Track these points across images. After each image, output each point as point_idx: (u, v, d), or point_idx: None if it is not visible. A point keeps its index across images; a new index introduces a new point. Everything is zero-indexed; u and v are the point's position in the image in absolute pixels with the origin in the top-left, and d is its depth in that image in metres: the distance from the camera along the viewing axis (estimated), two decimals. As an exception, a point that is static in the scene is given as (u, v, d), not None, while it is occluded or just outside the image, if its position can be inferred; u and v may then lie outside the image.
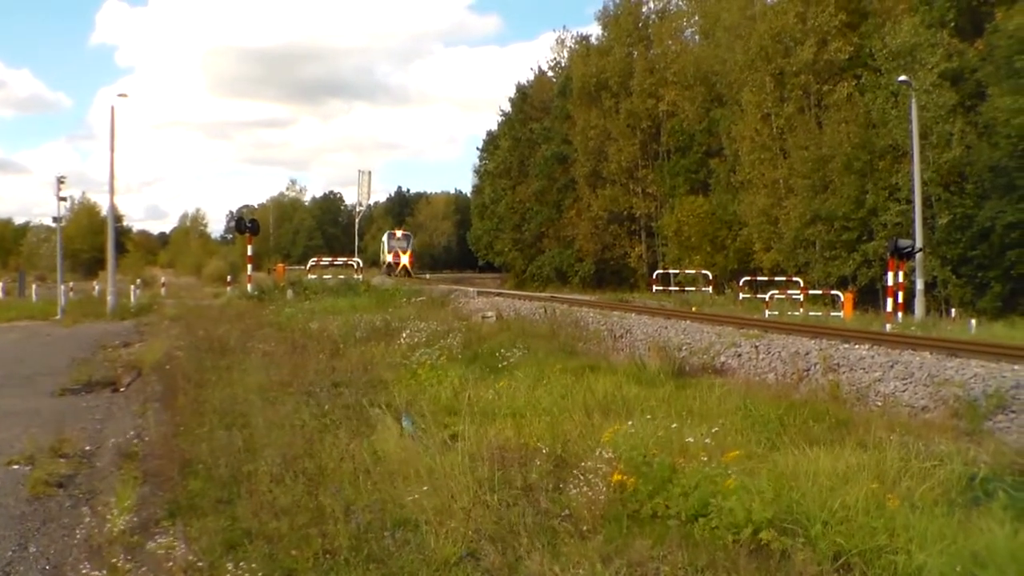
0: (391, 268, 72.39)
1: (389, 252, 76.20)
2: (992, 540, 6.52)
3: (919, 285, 30.70)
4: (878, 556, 6.48)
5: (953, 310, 35.11)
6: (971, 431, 10.60)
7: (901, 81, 34.50)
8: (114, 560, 6.94)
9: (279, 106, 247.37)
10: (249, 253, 44.02)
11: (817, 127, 46.88)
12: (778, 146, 49.03)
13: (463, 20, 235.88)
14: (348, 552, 6.85)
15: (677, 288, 46.91)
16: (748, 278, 42.40)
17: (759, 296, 37.34)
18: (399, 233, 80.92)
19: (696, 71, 58.96)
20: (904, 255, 29.18)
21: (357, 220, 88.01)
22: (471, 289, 41.75)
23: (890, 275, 28.62)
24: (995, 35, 38.45)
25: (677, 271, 50.88)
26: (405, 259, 72.98)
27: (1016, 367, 12.92)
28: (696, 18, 65.46)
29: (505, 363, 16.27)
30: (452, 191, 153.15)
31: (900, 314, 27.92)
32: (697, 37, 65.18)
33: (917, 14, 41.96)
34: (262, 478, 8.80)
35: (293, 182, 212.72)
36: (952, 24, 41.19)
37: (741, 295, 39.44)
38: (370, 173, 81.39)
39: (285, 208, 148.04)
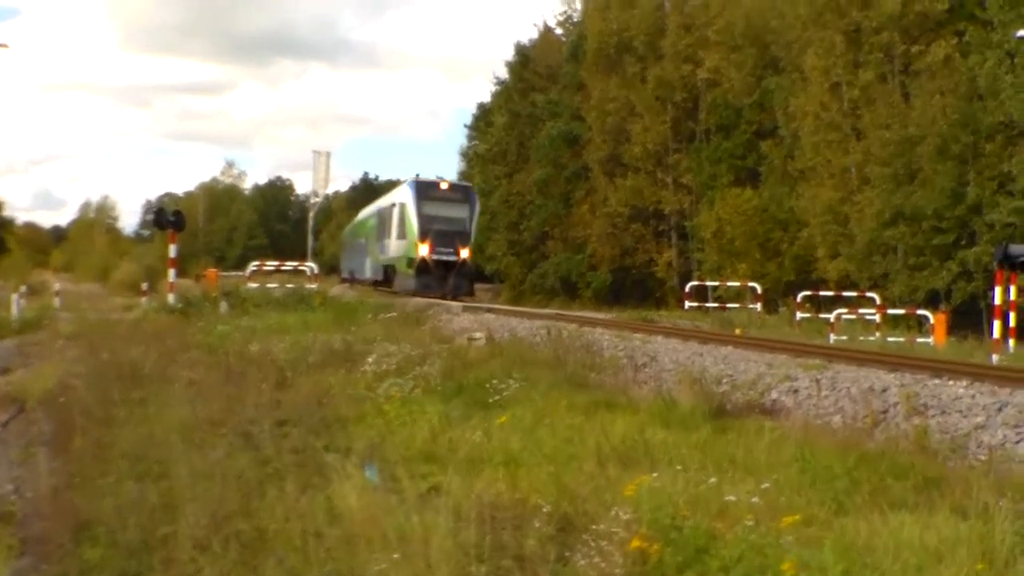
0: (423, 272, 47.92)
1: (422, 235, 48.01)
2: None
3: (1039, 304, 30.88)
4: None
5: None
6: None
7: (1018, 37, 34.52)
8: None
9: (212, 66, 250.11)
10: (172, 255, 43.83)
11: (903, 100, 46.98)
12: (850, 125, 49.16)
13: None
14: (292, 641, 6.83)
15: (716, 305, 46.95)
16: (808, 293, 42.28)
17: (822, 316, 37.35)
18: (445, 184, 54.25)
19: (746, 28, 59.07)
20: (1018, 265, 29.15)
21: (312, 214, 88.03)
22: (455, 304, 41.79)
23: (998, 290, 28.58)
24: None
25: (717, 283, 50.90)
26: (464, 252, 49.25)
27: None
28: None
29: (497, 397, 16.31)
30: (434, 177, 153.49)
31: (1012, 341, 27.88)
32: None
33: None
34: (183, 544, 8.75)
35: (230, 164, 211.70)
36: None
37: (799, 314, 39.47)
38: (328, 155, 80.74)
39: (219, 197, 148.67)
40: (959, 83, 43.79)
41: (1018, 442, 12.89)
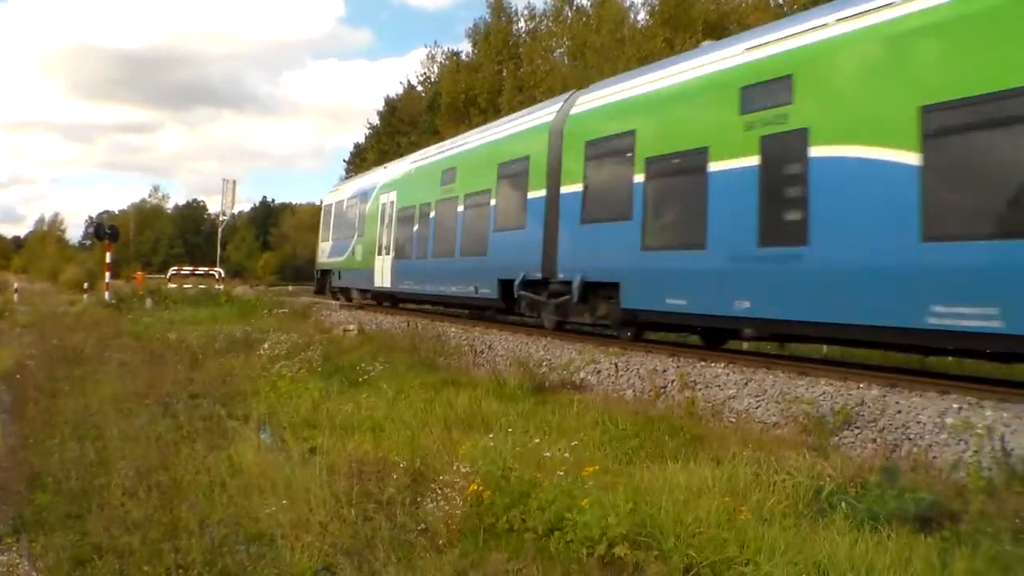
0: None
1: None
2: (834, 549, 6.85)
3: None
4: (728, 567, 6.72)
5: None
6: (819, 446, 10.98)
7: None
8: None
9: (143, 111, 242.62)
10: (108, 260, 42.90)
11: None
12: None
13: (335, 32, 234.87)
14: (202, 567, 6.78)
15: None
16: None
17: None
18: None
19: (564, 90, 59.44)
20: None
21: (220, 229, 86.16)
22: (333, 302, 41.32)
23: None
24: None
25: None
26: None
27: (861, 385, 13.42)
28: (566, 39, 66.27)
29: (366, 377, 16.26)
30: (318, 202, 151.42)
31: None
32: (566, 58, 66.00)
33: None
34: (114, 491, 8.63)
35: (156, 188, 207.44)
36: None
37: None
38: (235, 182, 79.16)
39: (147, 215, 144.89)
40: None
41: (757, 407, 13.28)
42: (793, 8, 47.63)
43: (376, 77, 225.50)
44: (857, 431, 11.86)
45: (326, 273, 42.56)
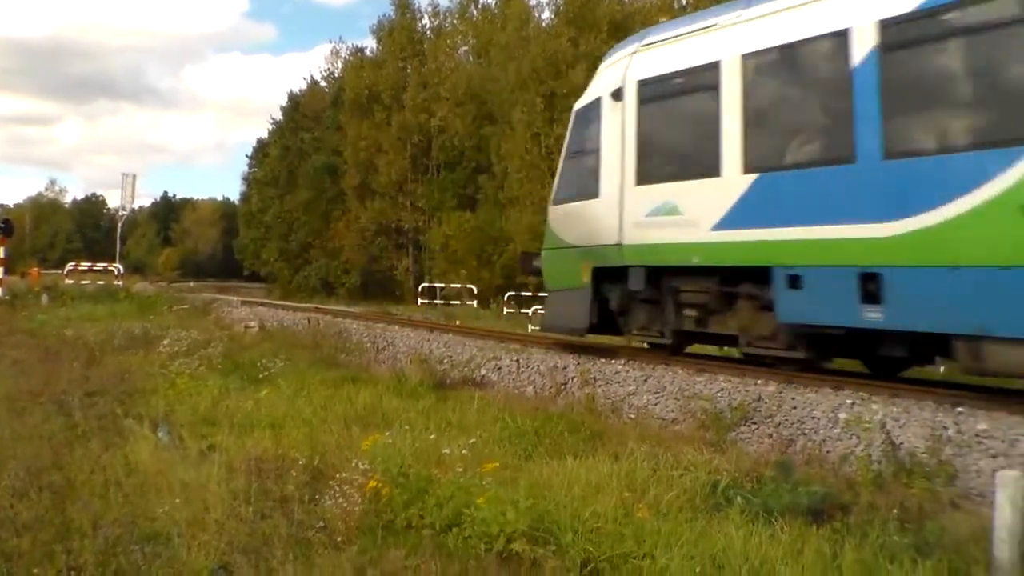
0: None
1: None
2: (729, 543, 6.95)
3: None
4: (625, 561, 6.78)
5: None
6: (716, 441, 11.14)
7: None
8: None
9: (41, 102, 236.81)
10: (1, 255, 41.74)
11: (584, 148, 47.83)
12: (546, 165, 50.03)
13: (238, 26, 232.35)
14: (94, 568, 6.63)
15: (442, 302, 47.20)
16: (513, 293, 42.96)
17: (523, 311, 37.92)
18: None
19: (468, 88, 59.83)
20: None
21: (120, 225, 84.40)
22: (235, 298, 40.85)
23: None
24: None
25: (443, 285, 51.18)
26: None
27: (759, 382, 13.65)
28: (471, 37, 66.48)
29: (266, 373, 16.07)
30: (220, 198, 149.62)
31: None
32: (471, 56, 66.21)
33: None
34: (3, 492, 8.38)
35: (52, 182, 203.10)
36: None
37: (506, 310, 40.02)
38: (135, 177, 76.99)
39: (43, 209, 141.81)
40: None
41: (656, 404, 13.44)
42: (697, 8, 48.42)
43: (280, 72, 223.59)
44: (754, 427, 12.07)
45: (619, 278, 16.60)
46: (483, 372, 17.04)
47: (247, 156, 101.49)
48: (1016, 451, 9.98)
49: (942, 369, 18.62)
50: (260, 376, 15.90)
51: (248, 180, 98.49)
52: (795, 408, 12.26)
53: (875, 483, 9.11)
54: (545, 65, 49.33)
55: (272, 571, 6.64)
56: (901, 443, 10.33)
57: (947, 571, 6.69)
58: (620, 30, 49.77)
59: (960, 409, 11.46)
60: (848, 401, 12.18)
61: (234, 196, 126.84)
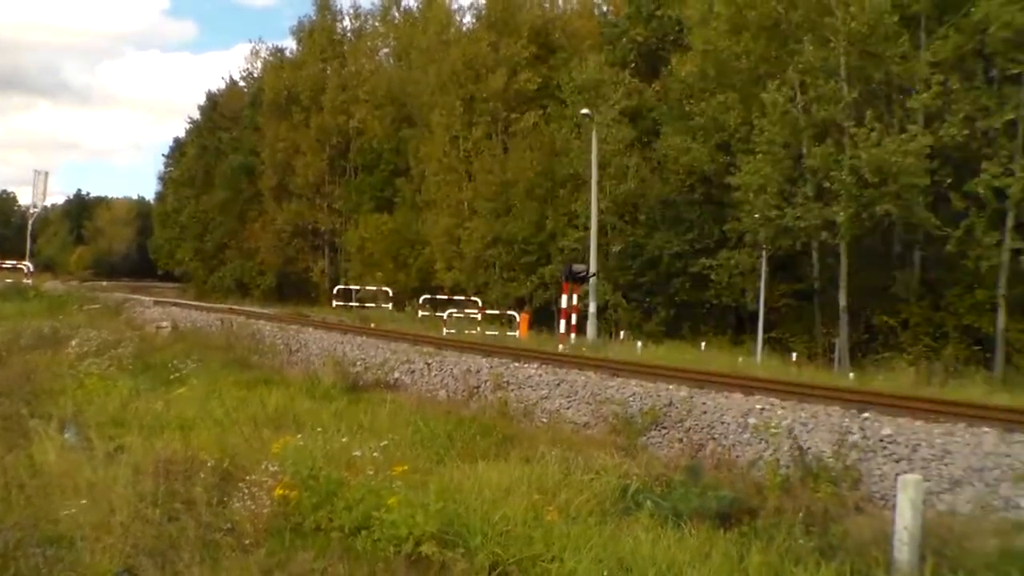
0: None
1: None
2: (637, 546, 7.00)
3: (592, 308, 31.68)
4: (534, 564, 6.78)
5: (622, 333, 36.84)
6: (627, 446, 11.22)
7: (584, 114, 35.78)
8: None
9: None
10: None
11: (503, 152, 48.21)
12: (464, 168, 50.06)
13: (157, 24, 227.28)
14: (-8, 571, 6.47)
15: (358, 304, 46.85)
16: (428, 296, 42.80)
17: (438, 314, 37.83)
18: None
19: (388, 91, 59.57)
20: (578, 279, 30.33)
21: (31, 222, 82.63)
22: (148, 298, 40.19)
23: (564, 298, 29.72)
24: (670, 79, 41.26)
25: (359, 287, 50.81)
26: None
27: (670, 387, 13.77)
28: (392, 40, 66.20)
29: (178, 374, 15.87)
30: (135, 197, 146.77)
31: (573, 335, 28.95)
32: (391, 59, 65.94)
33: (602, 53, 44.38)
34: None
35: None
36: (633, 65, 43.91)
37: (421, 313, 39.84)
38: (47, 174, 75.49)
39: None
40: (543, 143, 45.38)
41: (569, 408, 13.50)
42: (618, 15, 48.89)
43: (199, 71, 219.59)
44: (665, 431, 12.19)
45: None
46: (396, 375, 16.99)
47: (164, 155, 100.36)
48: (918, 455, 10.21)
49: (852, 376, 18.99)
50: (171, 377, 15.70)
51: (164, 179, 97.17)
52: (705, 413, 12.40)
53: (782, 487, 9.25)
54: (465, 69, 49.32)
55: (178, 574, 6.54)
56: (809, 448, 10.50)
57: (849, 573, 6.81)
58: (541, 36, 50.04)
59: (866, 415, 11.70)
60: (758, 406, 12.35)
61: (150, 195, 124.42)
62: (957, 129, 27.96)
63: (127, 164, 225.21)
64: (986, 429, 10.86)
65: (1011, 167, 27.48)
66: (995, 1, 27.02)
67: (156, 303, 36.94)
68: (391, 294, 45.82)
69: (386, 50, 67.31)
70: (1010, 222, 27.94)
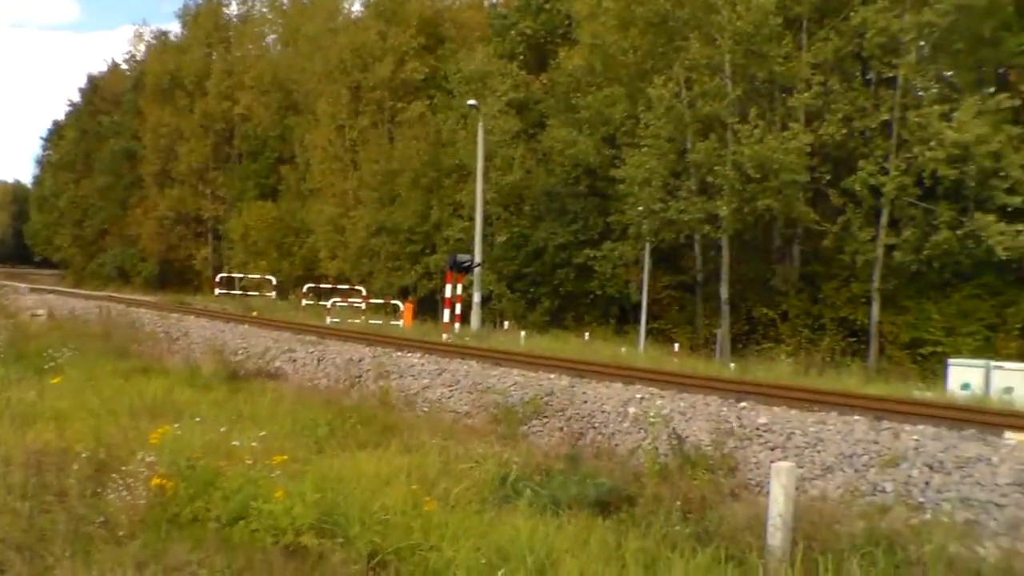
0: None
1: None
2: (516, 534, 7.09)
3: (476, 298, 31.78)
4: (412, 553, 6.83)
5: (507, 323, 37.00)
6: (508, 435, 11.34)
7: (471, 105, 35.83)
8: None
9: None
10: None
11: (389, 142, 48.01)
12: (350, 157, 49.77)
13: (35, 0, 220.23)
14: None
15: (241, 292, 46.28)
16: (312, 285, 42.52)
17: (322, 303, 37.58)
18: None
19: (274, 78, 58.92)
20: (463, 269, 30.39)
21: None
22: (23, 285, 39.07)
23: (448, 287, 29.78)
24: (557, 72, 41.58)
25: (242, 275, 50.19)
26: None
27: (552, 376, 13.92)
28: (279, 26, 65.40)
29: (53, 363, 15.46)
30: (11, 181, 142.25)
31: (458, 325, 29.02)
32: (278, 45, 65.18)
33: (490, 44, 44.67)
34: None
35: None
36: (521, 57, 44.22)
37: (304, 301, 39.53)
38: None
39: None
40: (429, 133, 45.37)
41: (450, 397, 13.57)
42: (508, 7, 49.03)
43: (82, 51, 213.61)
44: (546, 420, 12.34)
45: None
46: (278, 364, 16.86)
47: (42, 138, 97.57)
48: (792, 444, 10.53)
49: (732, 366, 19.44)
50: (46, 366, 15.28)
51: (42, 163, 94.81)
52: (586, 402, 12.58)
53: (661, 475, 9.47)
54: (352, 57, 48.97)
55: (48, 568, 6.40)
56: (687, 437, 10.74)
57: (724, 558, 7.00)
58: (429, 26, 49.91)
59: (743, 404, 12.01)
60: (638, 396, 12.57)
61: (26, 179, 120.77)
62: (836, 128, 29.23)
63: (2, 146, 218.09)
64: (857, 417, 11.26)
65: (886, 166, 28.71)
66: (872, 7, 28.08)
67: (32, 290, 35.98)
68: (275, 283, 45.44)
69: (273, 36, 66.55)
70: (884, 219, 29.18)
